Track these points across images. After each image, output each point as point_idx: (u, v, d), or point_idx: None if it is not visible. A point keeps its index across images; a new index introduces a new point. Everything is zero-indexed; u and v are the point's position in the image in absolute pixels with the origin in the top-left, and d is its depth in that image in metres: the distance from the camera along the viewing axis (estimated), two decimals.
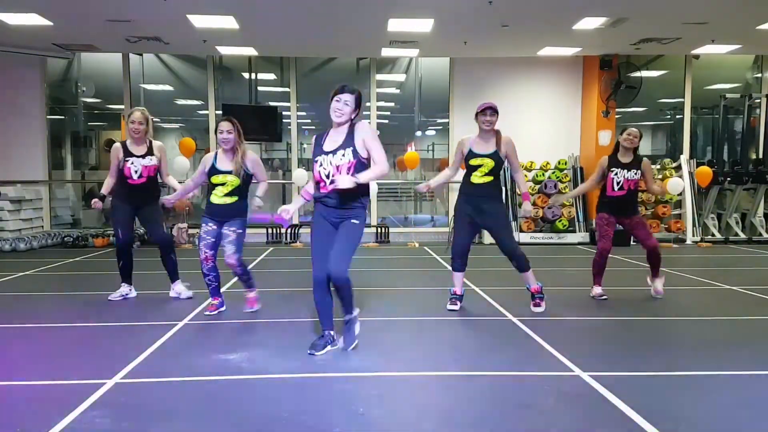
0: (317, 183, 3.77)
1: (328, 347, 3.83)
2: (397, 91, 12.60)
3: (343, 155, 3.65)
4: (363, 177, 3.59)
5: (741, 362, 3.67)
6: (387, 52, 10.14)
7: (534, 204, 10.35)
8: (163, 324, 4.55)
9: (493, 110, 4.78)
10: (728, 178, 10.35)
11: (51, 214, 10.97)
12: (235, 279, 6.18)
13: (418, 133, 12.97)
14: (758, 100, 11.18)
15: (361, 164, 3.68)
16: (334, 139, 3.75)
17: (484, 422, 2.80)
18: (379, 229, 10.64)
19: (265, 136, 10.81)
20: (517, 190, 4.92)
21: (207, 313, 4.86)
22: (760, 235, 10.58)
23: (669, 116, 12.37)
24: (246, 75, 11.80)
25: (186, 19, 7.93)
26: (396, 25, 8.30)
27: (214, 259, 4.85)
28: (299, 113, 11.50)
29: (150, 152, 5.35)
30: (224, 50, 10.04)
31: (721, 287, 6.17)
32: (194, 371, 3.52)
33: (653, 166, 10.49)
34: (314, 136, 3.89)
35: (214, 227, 4.80)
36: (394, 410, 2.99)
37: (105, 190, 5.41)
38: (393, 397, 3.19)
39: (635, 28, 8.56)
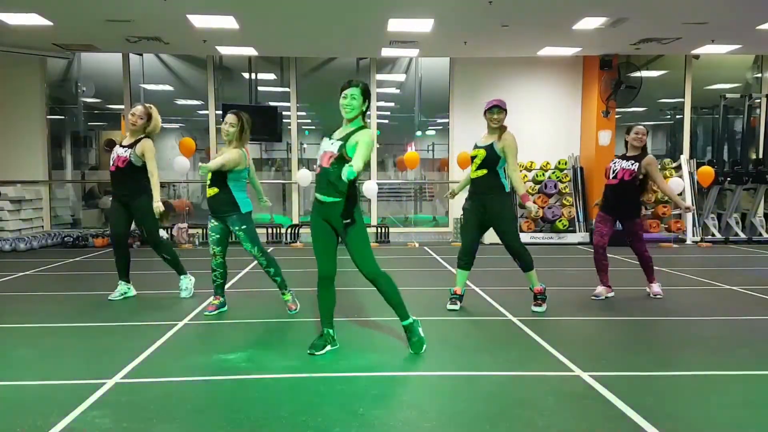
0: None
1: (328, 347, 3.83)
2: (397, 91, 12.60)
3: (332, 144, 3.69)
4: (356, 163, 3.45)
5: (741, 362, 3.67)
6: (387, 52, 10.14)
7: (534, 203, 10.34)
8: (163, 324, 4.55)
9: (500, 108, 4.79)
10: (728, 178, 10.36)
11: (51, 214, 10.98)
12: (234, 280, 6.19)
13: (418, 133, 12.97)
14: (758, 100, 11.18)
15: (343, 161, 3.61)
16: (338, 134, 3.78)
17: (484, 422, 2.80)
18: (379, 229, 10.64)
19: (265, 136, 10.80)
20: (517, 191, 4.90)
21: (206, 313, 4.86)
22: (760, 235, 10.58)
23: (669, 116, 12.37)
24: (246, 75, 11.80)
25: (186, 19, 7.93)
26: (396, 25, 8.30)
27: (221, 256, 4.86)
28: (299, 113, 11.50)
29: (132, 146, 5.30)
30: (224, 50, 10.04)
31: (721, 287, 6.17)
32: (194, 371, 3.52)
33: None
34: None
35: (216, 223, 4.82)
36: (394, 410, 2.99)
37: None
38: (393, 397, 3.19)
39: (635, 28, 8.56)
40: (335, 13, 7.77)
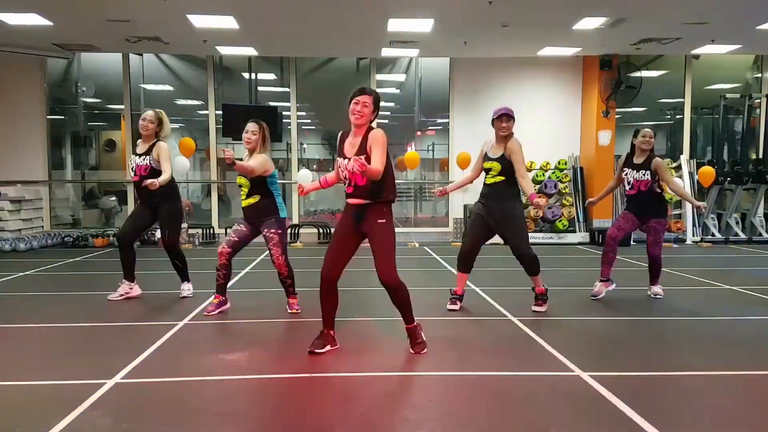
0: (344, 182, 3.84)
1: (328, 347, 3.83)
2: (397, 91, 12.60)
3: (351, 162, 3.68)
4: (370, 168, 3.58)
5: (740, 362, 3.67)
6: (387, 52, 10.14)
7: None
8: (163, 324, 4.55)
9: (509, 116, 4.80)
10: (728, 178, 10.36)
11: (51, 214, 10.97)
12: (234, 280, 6.18)
13: (418, 133, 12.96)
14: (758, 100, 11.18)
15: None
16: (352, 143, 3.78)
17: (484, 422, 2.80)
18: None
19: None
20: (523, 194, 4.91)
21: (206, 313, 4.86)
22: (760, 235, 10.58)
23: (669, 116, 12.36)
24: (246, 75, 11.80)
25: (186, 19, 7.93)
26: (396, 25, 8.30)
27: (228, 256, 4.86)
28: (299, 113, 11.50)
29: (149, 152, 5.34)
30: (224, 50, 10.04)
31: (721, 287, 6.17)
32: (194, 371, 3.52)
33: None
34: (340, 133, 3.92)
35: (244, 229, 4.85)
36: (395, 410, 2.99)
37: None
38: (393, 397, 3.19)
39: (635, 28, 8.56)
40: (335, 13, 7.77)
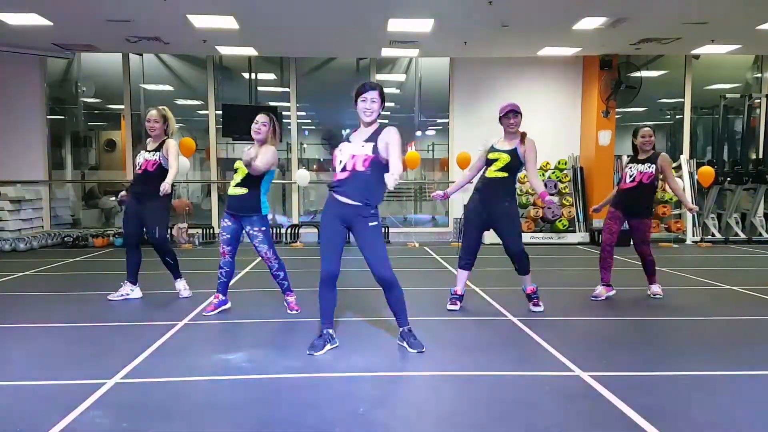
0: (334, 170, 3.82)
1: (328, 346, 3.83)
2: (397, 91, 12.60)
3: (363, 147, 3.71)
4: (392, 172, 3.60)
5: (741, 362, 3.67)
6: (387, 52, 10.14)
7: (534, 204, 10.37)
8: (163, 324, 4.55)
9: (516, 112, 4.79)
10: (728, 178, 10.36)
11: (51, 214, 10.97)
12: (234, 280, 6.18)
13: (418, 133, 12.97)
14: (758, 100, 11.18)
15: (378, 163, 3.70)
16: (360, 135, 3.80)
17: (484, 422, 2.80)
18: None
19: None
20: (534, 191, 4.91)
21: (206, 313, 4.85)
22: (760, 235, 10.58)
23: (669, 116, 12.37)
24: (246, 75, 11.81)
25: (186, 19, 7.93)
26: (396, 25, 8.30)
27: (231, 255, 4.86)
28: (299, 113, 11.50)
29: (159, 149, 5.36)
30: (224, 50, 10.04)
31: (721, 287, 6.17)
32: (194, 371, 3.52)
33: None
34: (347, 132, 3.96)
35: (230, 223, 4.81)
36: (394, 410, 2.99)
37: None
38: (393, 397, 3.19)
39: (635, 28, 8.56)
40: (335, 13, 7.77)
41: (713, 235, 10.53)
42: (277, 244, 10.26)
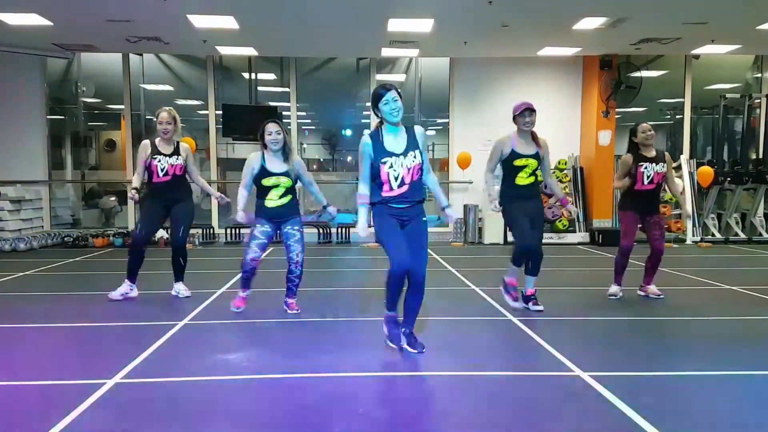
0: (381, 185, 3.72)
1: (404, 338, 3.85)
2: None
3: (414, 157, 3.71)
4: (443, 196, 3.96)
5: (741, 362, 3.67)
6: (387, 52, 10.13)
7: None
8: (163, 324, 4.55)
9: (532, 110, 4.79)
10: (728, 178, 10.35)
11: (51, 214, 10.96)
12: (234, 280, 6.19)
13: None
14: (758, 100, 11.17)
15: (422, 165, 3.76)
16: (395, 139, 3.75)
17: (484, 422, 2.80)
18: None
19: None
20: (552, 192, 4.88)
21: (235, 309, 4.89)
22: (760, 235, 10.58)
23: (669, 116, 12.36)
24: (246, 75, 11.80)
25: (186, 19, 7.92)
26: (396, 25, 8.30)
27: (259, 259, 4.89)
28: (299, 113, 11.49)
29: (177, 152, 5.40)
30: (224, 50, 10.04)
31: (721, 287, 6.17)
32: (194, 371, 3.52)
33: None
34: (368, 137, 3.78)
35: (269, 228, 4.83)
36: (394, 410, 2.99)
37: (136, 183, 5.35)
38: (393, 397, 3.19)
39: (635, 28, 8.56)
40: (335, 13, 7.76)
41: (713, 235, 10.53)
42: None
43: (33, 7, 7.56)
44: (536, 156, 4.81)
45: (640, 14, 7.87)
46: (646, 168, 5.36)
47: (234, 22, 8.09)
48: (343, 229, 10.54)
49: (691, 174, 10.49)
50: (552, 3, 7.40)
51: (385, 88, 3.72)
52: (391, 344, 3.86)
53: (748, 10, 7.69)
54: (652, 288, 5.60)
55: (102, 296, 5.53)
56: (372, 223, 3.80)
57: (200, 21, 8.06)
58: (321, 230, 10.59)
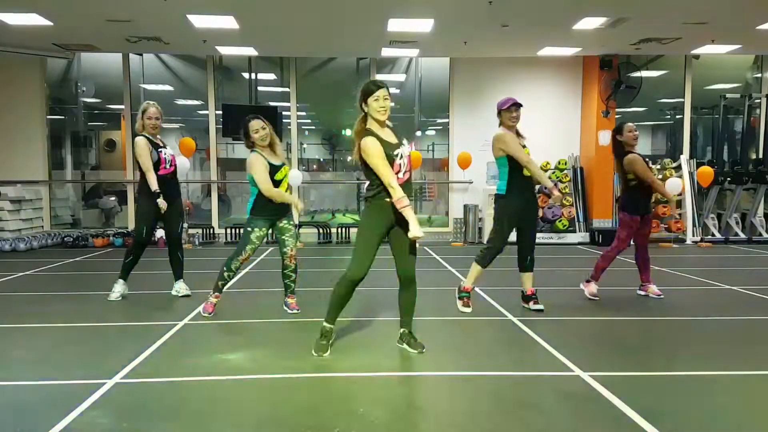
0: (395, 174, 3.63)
1: (329, 348, 3.82)
2: (397, 91, 12.60)
3: (406, 145, 3.75)
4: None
5: (741, 362, 3.67)
6: (387, 52, 10.13)
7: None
8: (163, 324, 4.55)
9: (518, 105, 4.82)
10: (728, 178, 10.35)
11: (51, 214, 10.97)
12: (234, 279, 6.19)
13: (418, 133, 12.97)
14: (758, 100, 11.17)
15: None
16: (390, 135, 3.74)
17: (484, 422, 2.80)
18: None
19: None
20: (541, 182, 4.86)
21: (205, 313, 4.82)
22: (760, 235, 10.58)
23: (669, 116, 12.36)
24: (246, 75, 11.80)
25: (186, 19, 7.92)
26: (396, 25, 8.30)
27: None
28: (299, 113, 11.49)
29: (164, 145, 5.46)
30: (224, 50, 10.04)
31: (721, 287, 6.17)
32: (194, 371, 3.52)
33: (654, 166, 10.55)
34: (372, 138, 3.63)
35: (265, 232, 4.80)
36: (394, 410, 2.99)
37: (156, 185, 5.25)
38: (393, 397, 3.19)
39: (635, 28, 8.56)
40: (335, 13, 7.76)
41: (713, 235, 10.53)
42: (277, 244, 10.28)
43: (33, 7, 7.56)
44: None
45: (640, 14, 7.87)
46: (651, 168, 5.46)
47: (234, 22, 8.09)
48: (343, 229, 10.54)
49: (691, 174, 10.49)
50: (552, 3, 7.39)
51: (377, 84, 3.67)
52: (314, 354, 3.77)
53: (748, 10, 7.69)
54: (653, 288, 5.60)
55: (102, 296, 5.53)
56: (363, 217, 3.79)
57: (200, 21, 8.06)
58: (321, 230, 10.59)
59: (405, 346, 3.88)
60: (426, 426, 2.80)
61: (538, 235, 10.21)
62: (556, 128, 10.96)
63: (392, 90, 12.98)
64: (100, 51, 10.21)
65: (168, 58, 11.38)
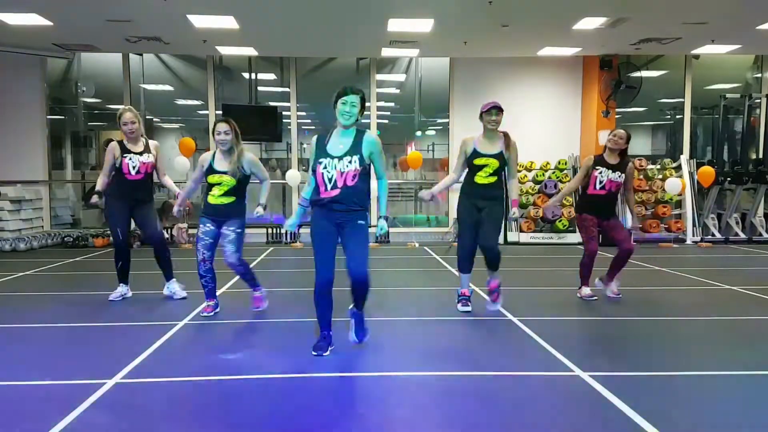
0: (317, 186, 3.74)
1: (330, 348, 3.83)
2: (397, 91, 12.59)
3: (350, 162, 3.65)
4: (384, 206, 3.86)
5: (741, 362, 3.67)
6: (387, 52, 10.13)
7: (534, 204, 10.38)
8: (163, 324, 4.55)
9: (498, 109, 4.73)
10: (728, 178, 10.35)
11: (51, 214, 10.97)
12: (235, 279, 6.19)
13: (418, 133, 12.97)
14: (758, 100, 11.17)
15: (365, 172, 3.71)
16: (339, 141, 3.72)
17: (484, 422, 2.80)
18: None
19: (265, 136, 10.78)
20: (510, 195, 4.88)
21: (204, 314, 4.85)
22: (760, 235, 10.58)
23: (669, 116, 12.36)
24: (246, 75, 11.80)
25: (186, 19, 7.92)
26: (396, 25, 8.30)
27: (211, 261, 4.82)
28: (299, 113, 11.49)
29: (147, 150, 5.42)
30: (224, 50, 10.04)
31: (721, 287, 6.17)
32: (194, 371, 3.52)
33: (653, 166, 10.56)
34: (315, 137, 3.84)
35: (212, 227, 4.78)
36: (394, 410, 2.99)
37: (100, 186, 5.40)
38: (393, 397, 3.19)
39: (635, 28, 8.56)
40: (335, 13, 7.76)
41: (713, 235, 10.53)
42: (277, 244, 10.30)
43: (33, 7, 7.57)
44: (499, 156, 4.73)
45: (640, 14, 7.87)
46: (600, 173, 5.33)
47: (234, 22, 8.09)
48: None
49: (691, 174, 10.48)
50: (552, 3, 7.40)
51: (353, 91, 3.66)
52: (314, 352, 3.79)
53: (748, 10, 7.69)
54: (613, 287, 5.54)
55: (102, 296, 5.53)
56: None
57: (200, 21, 8.06)
58: None
59: (350, 329, 3.94)
60: (425, 426, 2.80)
61: (539, 235, 10.35)
62: (556, 128, 10.96)
63: (392, 90, 13.02)
64: (100, 51, 10.21)
65: (168, 58, 11.38)
